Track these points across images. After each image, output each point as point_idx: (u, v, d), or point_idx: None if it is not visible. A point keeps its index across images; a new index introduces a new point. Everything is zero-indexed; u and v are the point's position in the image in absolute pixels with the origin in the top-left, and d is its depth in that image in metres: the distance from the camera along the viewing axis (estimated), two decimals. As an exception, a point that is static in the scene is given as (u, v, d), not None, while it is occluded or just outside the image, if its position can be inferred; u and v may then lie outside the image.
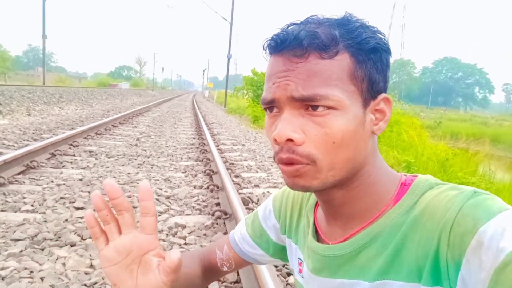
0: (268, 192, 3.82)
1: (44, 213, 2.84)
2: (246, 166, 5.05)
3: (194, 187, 3.92)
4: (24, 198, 3.15)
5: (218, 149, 6.05)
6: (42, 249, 2.27)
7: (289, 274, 2.16)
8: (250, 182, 4.22)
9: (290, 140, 0.50)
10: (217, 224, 2.89)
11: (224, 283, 2.02)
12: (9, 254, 2.15)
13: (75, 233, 2.51)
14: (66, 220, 2.74)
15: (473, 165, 6.94)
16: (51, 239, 2.40)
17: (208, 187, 3.84)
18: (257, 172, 4.80)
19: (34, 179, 3.76)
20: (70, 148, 5.46)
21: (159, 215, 2.98)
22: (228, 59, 22.14)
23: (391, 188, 0.56)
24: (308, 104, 0.50)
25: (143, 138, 7.11)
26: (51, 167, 4.32)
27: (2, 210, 2.86)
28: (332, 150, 0.50)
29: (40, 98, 12.41)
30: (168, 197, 3.47)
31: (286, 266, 2.23)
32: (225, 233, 2.72)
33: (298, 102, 0.50)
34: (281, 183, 4.24)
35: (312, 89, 0.49)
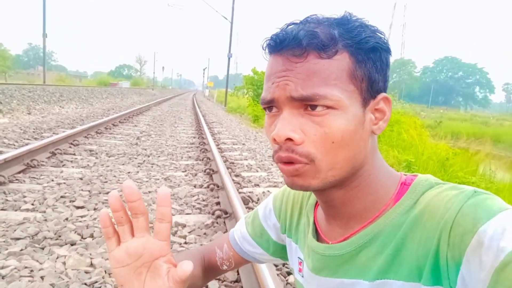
0: (268, 191, 3.82)
1: (45, 212, 2.84)
2: (246, 165, 5.05)
3: (194, 186, 3.92)
4: (24, 197, 3.15)
5: (218, 148, 6.05)
6: (43, 248, 2.28)
7: (289, 274, 2.16)
8: (250, 181, 4.22)
9: (289, 139, 0.50)
10: (217, 223, 2.89)
11: (224, 282, 2.03)
12: (9, 253, 2.15)
13: (75, 232, 2.52)
14: (66, 219, 2.74)
15: (473, 165, 6.94)
16: (51, 238, 2.40)
17: (208, 186, 3.84)
18: (257, 171, 4.80)
19: (35, 178, 3.76)
20: (70, 147, 5.46)
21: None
22: (229, 58, 22.13)
23: (391, 188, 0.56)
24: (307, 104, 0.50)
25: (144, 137, 7.11)
26: (51, 166, 4.32)
27: (2, 209, 2.86)
28: (332, 150, 0.50)
29: (40, 97, 12.41)
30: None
31: (286, 265, 2.23)
32: (225, 232, 2.72)
33: (297, 102, 0.50)
34: (281, 182, 4.24)
35: (311, 89, 0.49)
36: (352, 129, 0.50)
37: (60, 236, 2.43)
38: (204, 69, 57.64)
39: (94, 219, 2.77)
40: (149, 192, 3.54)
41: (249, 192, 3.65)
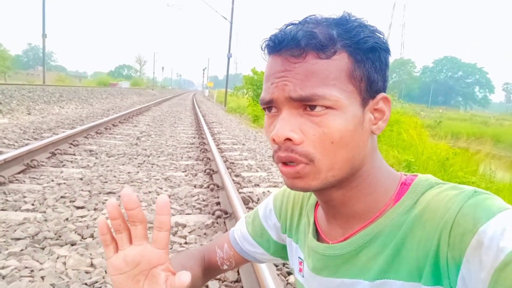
0: (268, 191, 3.83)
1: (45, 212, 2.84)
2: (246, 165, 5.05)
3: (195, 186, 3.92)
4: (24, 197, 3.15)
5: (218, 148, 6.05)
6: (43, 248, 2.28)
7: (289, 274, 2.16)
8: (250, 181, 4.22)
9: (288, 139, 0.50)
10: (217, 223, 2.89)
11: (225, 282, 2.03)
12: (10, 253, 2.15)
13: (75, 232, 2.52)
14: (67, 219, 2.74)
15: (473, 165, 6.94)
16: (51, 238, 2.40)
17: (208, 186, 3.84)
18: (257, 171, 4.80)
19: (35, 178, 3.76)
20: (70, 147, 5.46)
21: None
22: (228, 58, 22.14)
23: (391, 188, 0.56)
24: (306, 104, 0.50)
25: (143, 137, 7.11)
26: (51, 166, 4.32)
27: (2, 209, 2.86)
28: (331, 150, 0.50)
29: (40, 97, 12.41)
30: (168, 196, 3.47)
31: (286, 265, 2.23)
32: (225, 232, 2.72)
33: (296, 102, 0.50)
34: (281, 182, 4.24)
35: (310, 89, 0.49)
36: (351, 129, 0.50)
37: (60, 236, 2.43)
38: (203, 69, 57.63)
39: (94, 219, 2.77)
40: (149, 192, 3.54)
41: (249, 192, 3.65)
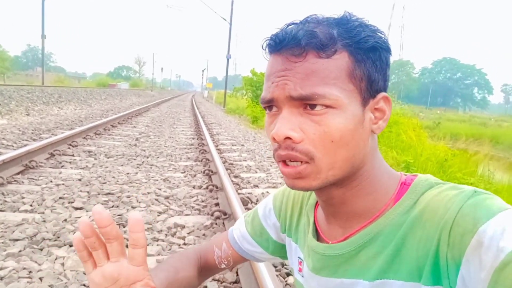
0: (267, 192, 3.82)
1: (43, 213, 2.84)
2: (245, 166, 5.05)
3: (193, 187, 3.92)
4: (23, 198, 3.14)
5: (217, 149, 6.05)
6: (41, 249, 2.27)
7: (288, 274, 2.16)
8: (249, 182, 4.22)
9: (288, 138, 0.50)
10: (216, 224, 2.89)
11: (223, 283, 2.02)
12: (8, 254, 2.15)
13: (74, 233, 2.51)
14: (65, 220, 2.73)
15: (472, 166, 6.95)
16: (50, 239, 2.39)
17: (207, 187, 3.84)
18: (256, 172, 4.80)
19: (33, 179, 3.75)
20: (69, 148, 5.45)
21: (158, 215, 2.98)
22: (227, 59, 22.16)
23: (391, 188, 0.56)
24: (307, 103, 0.50)
25: (142, 138, 7.11)
26: (50, 167, 4.31)
27: (1, 210, 2.85)
28: (331, 149, 0.50)
29: (39, 98, 12.40)
30: (167, 197, 3.47)
31: (285, 266, 2.23)
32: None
33: (296, 101, 0.50)
34: (280, 183, 4.24)
35: (310, 88, 0.49)
36: (351, 128, 0.50)
37: (58, 237, 2.42)
38: (203, 70, 57.71)
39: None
40: (148, 193, 3.53)
41: (248, 193, 3.65)
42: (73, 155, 5.06)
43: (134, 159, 5.10)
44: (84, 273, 2.03)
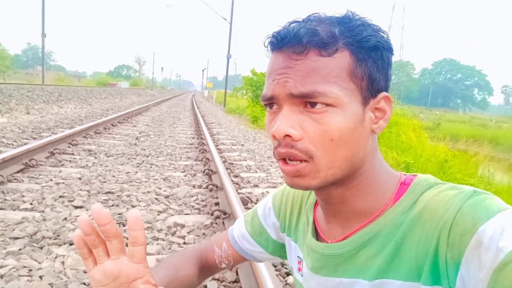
0: (267, 192, 3.83)
1: (43, 211, 2.84)
2: (245, 166, 5.05)
3: (193, 186, 3.92)
4: (23, 196, 3.14)
5: (217, 148, 6.05)
6: (41, 248, 2.27)
7: (288, 274, 2.16)
8: (249, 182, 4.22)
9: (288, 136, 0.50)
10: (216, 223, 2.89)
11: (223, 283, 2.03)
12: (8, 252, 2.15)
13: (74, 231, 2.51)
14: (65, 218, 2.73)
15: (472, 167, 6.96)
16: (50, 238, 2.39)
17: (207, 187, 3.84)
18: (256, 172, 4.80)
19: (33, 177, 3.75)
20: (69, 147, 5.45)
21: (158, 214, 2.99)
22: (228, 59, 22.15)
23: (391, 187, 0.56)
24: (307, 101, 0.50)
25: (142, 138, 7.11)
26: (50, 166, 4.31)
27: (1, 209, 2.85)
28: (331, 148, 0.50)
29: (39, 96, 12.39)
30: (167, 197, 3.47)
31: (285, 266, 2.23)
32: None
33: (297, 99, 0.50)
34: (280, 183, 4.24)
35: (311, 86, 0.49)
36: (351, 127, 0.50)
37: (58, 236, 2.43)
38: (203, 70, 57.69)
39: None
40: (148, 192, 3.54)
41: (248, 193, 3.65)
42: (73, 154, 5.06)
43: (134, 158, 5.10)
44: (84, 272, 2.03)
